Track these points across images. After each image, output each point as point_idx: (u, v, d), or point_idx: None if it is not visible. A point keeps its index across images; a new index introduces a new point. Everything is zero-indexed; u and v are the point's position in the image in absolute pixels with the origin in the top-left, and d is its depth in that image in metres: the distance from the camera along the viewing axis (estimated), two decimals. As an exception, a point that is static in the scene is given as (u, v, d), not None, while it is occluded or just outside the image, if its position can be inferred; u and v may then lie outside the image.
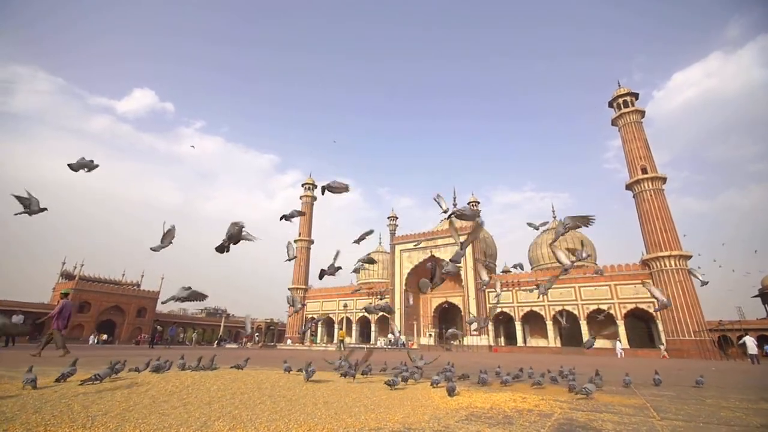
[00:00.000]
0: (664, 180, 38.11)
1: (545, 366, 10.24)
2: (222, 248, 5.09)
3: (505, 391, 4.95)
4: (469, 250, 44.28)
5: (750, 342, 19.56)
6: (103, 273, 51.31)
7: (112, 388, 3.57)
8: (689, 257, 34.34)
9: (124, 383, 3.87)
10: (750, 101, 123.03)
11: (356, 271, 10.08)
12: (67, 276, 48.68)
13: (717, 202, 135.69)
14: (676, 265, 34.15)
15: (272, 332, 59.52)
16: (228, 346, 41.64)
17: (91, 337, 42.95)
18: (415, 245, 47.02)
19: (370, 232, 9.60)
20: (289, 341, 51.56)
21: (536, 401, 4.12)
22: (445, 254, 45.77)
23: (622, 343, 35.10)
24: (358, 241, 9.95)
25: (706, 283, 10.08)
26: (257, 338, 49.98)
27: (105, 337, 44.71)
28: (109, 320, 49.00)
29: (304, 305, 42.95)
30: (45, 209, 5.57)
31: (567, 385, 5.25)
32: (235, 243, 5.21)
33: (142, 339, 45.96)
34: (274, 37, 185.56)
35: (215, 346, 40.98)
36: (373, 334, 50.17)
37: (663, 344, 32.76)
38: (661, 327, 34.08)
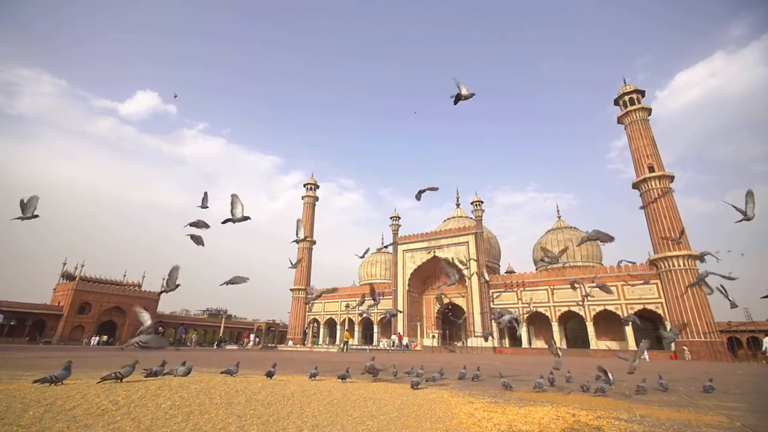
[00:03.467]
0: (671, 178, 37.34)
1: (548, 367, 9.59)
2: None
3: (544, 405, 4.16)
4: (473, 250, 43.66)
5: None
6: (104, 274, 51.00)
7: (29, 404, 2.86)
8: (698, 257, 33.51)
9: (51, 396, 3.12)
10: (754, 101, 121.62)
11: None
12: (68, 276, 48.34)
13: (721, 203, 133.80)
14: (684, 265, 33.35)
15: (273, 333, 58.97)
16: (228, 347, 41.09)
17: (94, 337, 42.66)
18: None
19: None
20: (290, 342, 50.97)
21: (592, 420, 3.35)
22: (449, 254, 45.13)
23: (630, 343, 34.38)
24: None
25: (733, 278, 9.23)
26: (257, 340, 49.40)
27: (105, 338, 44.36)
28: (110, 321, 48.57)
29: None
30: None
31: (612, 393, 4.62)
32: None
33: (143, 340, 45.49)
34: (276, 38, 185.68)
35: (215, 347, 40.47)
36: (375, 336, 49.53)
37: (685, 347, 31.26)
38: (669, 328, 33.24)
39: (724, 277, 8.95)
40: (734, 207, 7.58)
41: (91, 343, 41.09)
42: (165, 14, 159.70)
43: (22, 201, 6.38)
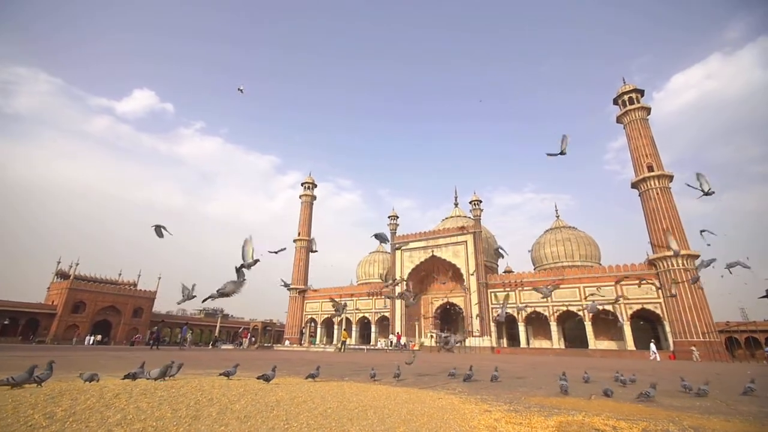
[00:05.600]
0: (670, 178, 37.14)
1: (554, 367, 9.26)
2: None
3: (571, 413, 3.63)
4: (471, 248, 43.41)
5: None
6: (100, 272, 50.56)
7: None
8: (697, 257, 33.34)
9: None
10: (751, 103, 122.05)
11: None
12: (62, 275, 47.92)
13: (718, 204, 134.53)
14: (683, 264, 33.16)
15: (269, 333, 58.60)
16: (224, 347, 40.67)
17: (88, 337, 42.24)
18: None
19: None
20: (287, 342, 50.64)
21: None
22: (447, 254, 44.90)
23: (629, 343, 34.17)
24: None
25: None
26: (253, 339, 49.01)
27: (99, 337, 43.90)
28: (104, 320, 48.17)
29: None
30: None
31: (645, 399, 4.30)
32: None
33: (138, 339, 45.16)
34: (273, 38, 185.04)
35: (210, 347, 40.07)
36: (373, 335, 49.23)
37: (694, 347, 30.28)
38: (668, 328, 33.09)
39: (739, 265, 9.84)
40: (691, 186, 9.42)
41: (85, 343, 40.65)
42: (163, 14, 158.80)
43: (156, 227, 9.62)
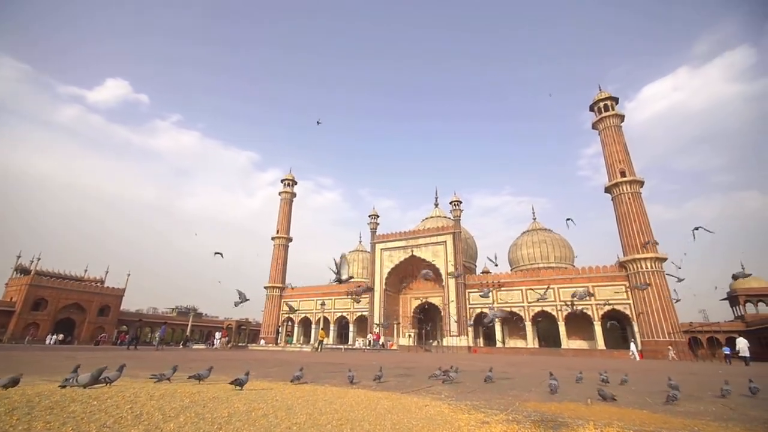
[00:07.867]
0: (641, 183, 38.53)
1: (534, 367, 9.25)
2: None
3: (578, 422, 3.32)
4: (450, 249, 43.69)
5: (743, 344, 19.47)
6: (64, 268, 48.09)
7: None
8: (665, 259, 34.70)
9: None
10: (714, 115, 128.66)
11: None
12: (22, 271, 45.25)
13: (683, 210, 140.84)
14: (652, 267, 34.44)
15: (244, 332, 57.28)
16: (195, 347, 39.31)
17: (50, 336, 39.95)
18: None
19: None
20: (262, 341, 49.59)
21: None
22: (426, 254, 45.03)
23: (599, 343, 35.21)
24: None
25: (682, 279, 12.13)
26: (227, 338, 47.59)
27: (62, 336, 41.62)
28: (67, 318, 45.73)
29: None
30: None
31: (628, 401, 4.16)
32: None
33: (104, 339, 43.14)
34: (256, 34, 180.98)
35: (181, 346, 38.66)
36: (351, 335, 48.83)
37: (670, 347, 31.00)
38: (636, 328, 34.29)
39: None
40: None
41: (47, 342, 38.45)
42: (142, 6, 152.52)
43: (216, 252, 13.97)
